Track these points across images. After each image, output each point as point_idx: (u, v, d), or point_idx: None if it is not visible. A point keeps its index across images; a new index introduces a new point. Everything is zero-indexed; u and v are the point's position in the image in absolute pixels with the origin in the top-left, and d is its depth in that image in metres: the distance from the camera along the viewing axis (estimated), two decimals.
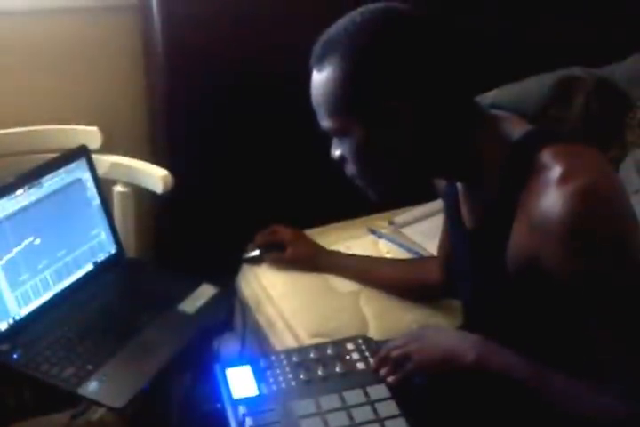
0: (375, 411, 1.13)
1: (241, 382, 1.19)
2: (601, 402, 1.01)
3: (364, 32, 1.03)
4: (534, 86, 1.94)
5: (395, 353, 1.17)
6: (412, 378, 1.17)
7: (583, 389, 1.02)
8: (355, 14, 1.05)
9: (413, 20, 1.04)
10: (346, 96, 1.04)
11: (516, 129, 1.07)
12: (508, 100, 1.82)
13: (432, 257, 1.54)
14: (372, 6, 1.06)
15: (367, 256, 1.64)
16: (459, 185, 1.18)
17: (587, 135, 1.88)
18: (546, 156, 1.00)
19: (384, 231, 1.78)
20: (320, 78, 1.06)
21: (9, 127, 1.62)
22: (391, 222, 1.82)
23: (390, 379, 1.16)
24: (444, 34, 1.05)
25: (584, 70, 1.99)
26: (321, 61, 1.05)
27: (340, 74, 1.03)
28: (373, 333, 1.45)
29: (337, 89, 1.04)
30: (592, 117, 1.92)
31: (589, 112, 1.92)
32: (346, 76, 1.03)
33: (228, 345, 1.58)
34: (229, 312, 1.60)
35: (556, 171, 0.97)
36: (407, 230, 1.80)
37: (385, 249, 1.72)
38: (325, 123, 1.08)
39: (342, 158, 1.12)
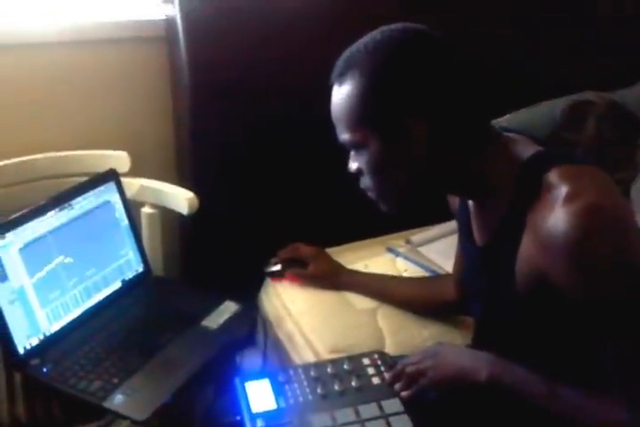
0: (389, 425, 1.12)
1: (260, 395, 1.18)
2: (613, 418, 0.99)
3: (382, 50, 1.04)
4: (547, 111, 1.93)
5: (409, 369, 1.17)
6: (426, 393, 1.15)
7: (595, 404, 1.01)
8: (376, 33, 1.07)
9: (431, 39, 1.05)
10: (363, 111, 1.05)
11: (526, 150, 1.07)
12: (521, 125, 1.81)
13: (447, 275, 1.53)
14: (392, 26, 1.07)
15: (384, 274, 1.63)
16: (470, 203, 1.18)
17: (599, 157, 1.86)
18: (553, 176, 0.99)
19: (401, 250, 1.77)
20: (340, 93, 1.07)
21: (43, 152, 1.64)
22: (408, 241, 1.81)
23: (404, 394, 1.16)
24: (459, 54, 1.06)
25: (596, 94, 1.98)
26: (341, 77, 1.07)
27: (359, 89, 1.04)
28: (390, 348, 1.44)
29: (355, 104, 1.05)
30: (604, 140, 1.90)
31: (601, 135, 1.91)
32: (364, 91, 1.04)
33: (251, 359, 1.58)
34: (252, 327, 1.60)
35: (562, 190, 0.96)
36: (424, 249, 1.78)
37: (402, 267, 1.71)
38: (343, 136, 1.09)
39: (358, 171, 1.12)
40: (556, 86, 1.93)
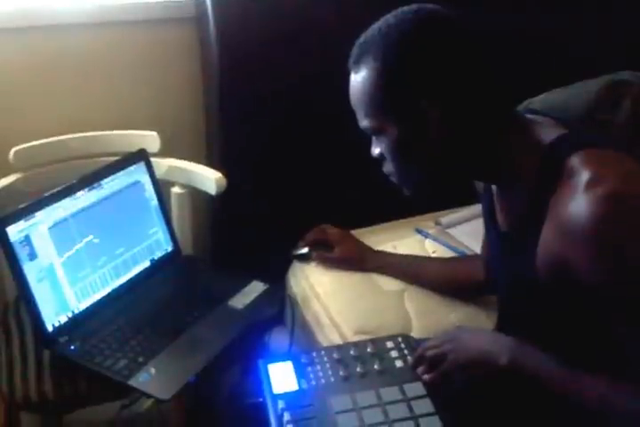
0: (410, 408, 1.08)
1: (282, 377, 1.16)
2: (636, 406, 0.93)
3: (394, 33, 1.00)
4: (582, 91, 1.84)
5: (430, 352, 1.14)
6: (449, 378, 1.11)
7: (617, 390, 0.95)
8: (389, 16, 1.03)
9: (444, 20, 1.01)
10: (378, 96, 1.02)
11: (550, 133, 1.01)
12: (556, 105, 1.74)
13: (476, 255, 1.49)
14: (405, 8, 1.03)
15: (413, 255, 1.58)
16: (494, 187, 1.14)
17: (634, 138, 1.79)
18: (575, 160, 0.94)
19: (430, 231, 1.72)
20: (356, 79, 1.04)
21: (74, 133, 1.62)
22: (437, 223, 1.76)
23: (426, 377, 1.12)
24: (474, 36, 1.01)
25: (632, 74, 1.89)
26: (356, 63, 1.04)
27: (373, 74, 1.01)
28: (416, 331, 1.40)
29: (370, 89, 1.02)
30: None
31: (637, 115, 1.82)
32: (378, 76, 1.00)
33: (279, 339, 1.55)
34: (281, 307, 1.57)
35: (584, 176, 0.92)
36: (453, 231, 1.73)
37: (431, 249, 1.66)
38: (363, 122, 1.06)
39: (381, 156, 1.09)
40: (591, 66, 1.85)
